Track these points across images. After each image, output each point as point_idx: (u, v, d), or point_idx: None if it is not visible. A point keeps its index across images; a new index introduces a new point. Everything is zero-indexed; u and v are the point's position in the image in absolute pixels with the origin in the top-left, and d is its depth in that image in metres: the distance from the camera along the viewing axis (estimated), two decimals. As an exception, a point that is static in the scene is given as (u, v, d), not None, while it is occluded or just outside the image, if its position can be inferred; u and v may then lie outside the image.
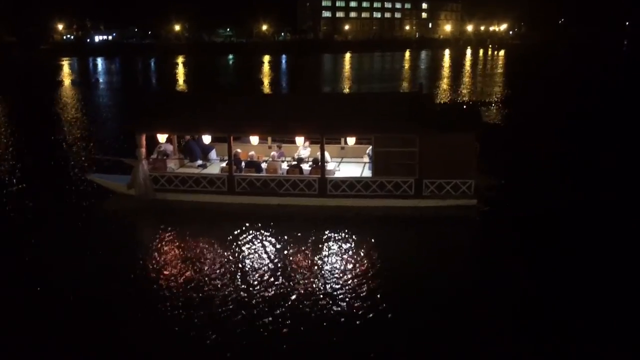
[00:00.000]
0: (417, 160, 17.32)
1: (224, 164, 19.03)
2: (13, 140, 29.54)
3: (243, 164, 18.94)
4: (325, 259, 14.16)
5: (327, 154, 18.93)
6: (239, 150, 19.39)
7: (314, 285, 12.69)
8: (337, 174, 18.42)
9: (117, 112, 40.24)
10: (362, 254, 14.36)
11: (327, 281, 12.90)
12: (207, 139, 19.71)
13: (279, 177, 18.17)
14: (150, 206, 18.26)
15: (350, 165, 19.48)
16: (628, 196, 18.65)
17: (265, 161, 19.33)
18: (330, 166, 18.80)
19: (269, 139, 20.65)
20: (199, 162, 19.88)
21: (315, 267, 13.64)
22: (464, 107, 37.32)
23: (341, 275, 13.20)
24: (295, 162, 18.78)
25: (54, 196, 19.57)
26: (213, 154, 20.25)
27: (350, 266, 13.66)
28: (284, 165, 18.91)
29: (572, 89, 51.27)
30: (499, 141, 26.07)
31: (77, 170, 22.85)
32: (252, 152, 19.47)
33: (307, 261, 14.02)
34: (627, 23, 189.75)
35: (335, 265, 13.75)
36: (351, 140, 19.64)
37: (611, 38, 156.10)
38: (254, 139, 19.33)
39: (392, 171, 17.53)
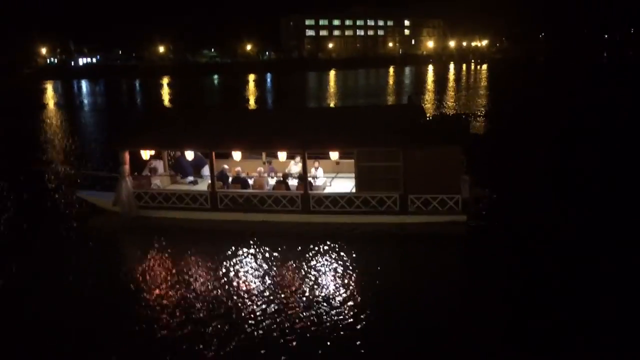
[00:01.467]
0: (402, 175, 16.76)
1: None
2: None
3: (230, 179, 18.80)
4: (308, 279, 13.60)
5: (320, 170, 18.86)
6: (225, 167, 19.27)
7: (297, 306, 12.26)
8: (328, 190, 18.08)
9: (103, 132, 40.02)
10: (346, 274, 13.81)
11: (310, 301, 12.39)
12: (195, 154, 19.53)
13: (262, 193, 17.95)
14: (134, 224, 18.08)
15: (344, 180, 19.18)
16: (617, 206, 18.26)
17: (252, 177, 19.13)
18: (319, 182, 18.49)
19: (264, 154, 20.40)
20: (190, 178, 19.73)
21: (297, 287, 13.17)
22: (452, 119, 37.47)
23: (325, 295, 12.66)
24: (281, 178, 18.56)
25: (42, 213, 19.52)
26: (205, 170, 19.88)
27: (334, 287, 13.14)
28: (272, 181, 18.73)
29: (555, 100, 51.88)
30: (486, 153, 25.72)
31: (66, 188, 22.69)
32: (238, 168, 19.36)
33: (289, 281, 13.56)
34: (605, 36, 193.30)
35: (318, 285, 13.25)
36: (334, 155, 18.99)
37: (591, 50, 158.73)
38: (237, 155, 19.04)
39: (376, 186, 17.01)
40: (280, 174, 19.09)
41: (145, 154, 19.23)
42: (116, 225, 18.04)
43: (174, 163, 20.37)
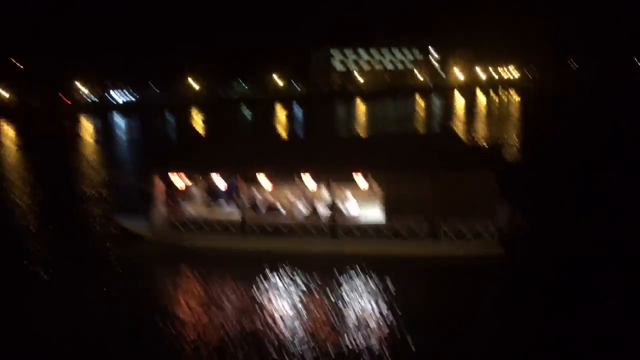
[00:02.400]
0: (431, 202, 16.06)
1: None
2: (42, 190, 30.18)
3: (263, 207, 18.91)
4: (338, 311, 13.42)
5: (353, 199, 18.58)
6: (259, 195, 19.28)
7: (328, 337, 12.18)
8: (364, 219, 17.68)
9: (138, 162, 41.12)
10: (376, 306, 13.51)
11: (342, 334, 12.22)
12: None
13: (290, 221, 17.88)
14: (166, 250, 18.17)
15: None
16: None
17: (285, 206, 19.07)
18: (353, 210, 18.31)
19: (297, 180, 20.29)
20: (225, 204, 19.87)
21: (328, 318, 13.07)
22: (485, 146, 36.70)
23: (357, 329, 12.43)
24: (313, 207, 18.44)
25: (80, 238, 20.08)
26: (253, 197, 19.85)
27: (366, 319, 12.88)
28: (303, 210, 18.65)
29: (589, 128, 51.04)
30: (523, 181, 24.53)
31: (104, 213, 23.32)
32: (291, 197, 19.27)
33: (319, 312, 13.44)
34: (636, 59, 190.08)
35: (349, 318, 13.01)
36: (361, 183, 18.68)
37: (622, 75, 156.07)
38: (265, 181, 18.79)
39: (404, 214, 16.45)
40: (308, 203, 18.94)
41: (177, 179, 19.40)
42: (150, 251, 18.22)
43: (209, 189, 20.68)
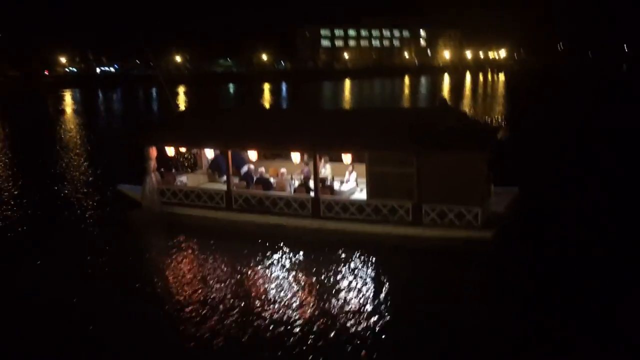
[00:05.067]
0: (416, 182, 15.43)
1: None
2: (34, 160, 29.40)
3: (254, 179, 18.49)
4: (317, 288, 12.73)
5: (354, 174, 17.99)
6: (251, 167, 19.09)
7: (303, 315, 11.79)
8: (357, 196, 17.14)
9: (122, 134, 40.51)
10: (357, 285, 12.78)
11: (320, 313, 11.51)
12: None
13: (274, 195, 17.48)
14: (157, 218, 18.43)
15: None
16: None
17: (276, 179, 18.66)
18: (346, 187, 17.62)
19: (305, 156, 19.10)
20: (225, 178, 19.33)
21: (306, 294, 12.54)
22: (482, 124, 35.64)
23: (336, 308, 11.69)
24: (303, 181, 17.98)
25: (82, 206, 20.41)
26: (244, 169, 19.39)
27: (344, 296, 12.20)
28: (296, 184, 18.13)
29: (576, 110, 51.07)
30: (515, 163, 23.04)
31: (106, 182, 23.40)
32: (261, 169, 19.15)
33: (298, 287, 12.90)
34: (625, 47, 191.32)
35: (328, 296, 12.27)
36: (346, 159, 17.72)
37: (610, 62, 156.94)
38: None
39: (388, 194, 15.80)
40: (302, 177, 18.51)
41: (170, 151, 19.36)
42: (144, 218, 18.59)
43: (212, 161, 20.21)
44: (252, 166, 19.14)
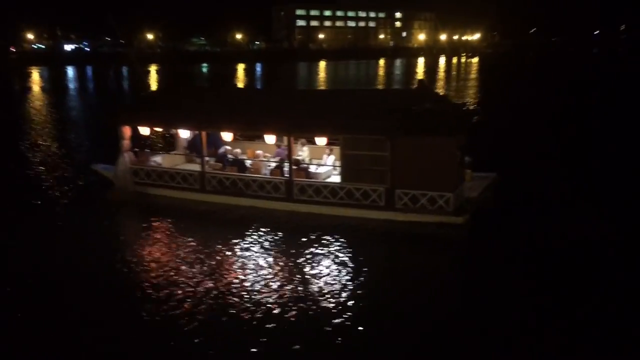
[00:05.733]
0: (389, 167, 15.41)
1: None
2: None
3: (230, 161, 18.28)
4: (289, 276, 12.43)
5: (332, 157, 17.75)
6: (228, 148, 18.89)
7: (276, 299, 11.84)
8: (333, 179, 16.92)
9: (93, 113, 39.92)
10: (329, 269, 12.69)
11: (291, 297, 11.49)
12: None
13: (247, 177, 17.37)
14: (130, 198, 18.31)
15: None
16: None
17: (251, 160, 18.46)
18: (322, 169, 17.41)
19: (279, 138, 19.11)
20: (205, 158, 19.00)
21: (276, 283, 12.33)
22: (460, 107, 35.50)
23: (309, 291, 11.65)
24: (278, 163, 17.72)
25: (54, 186, 20.05)
26: (222, 150, 19.13)
27: (318, 284, 11.96)
28: (273, 166, 17.84)
29: (547, 92, 51.77)
30: (489, 147, 22.95)
31: (82, 161, 23.13)
32: (237, 150, 18.97)
33: (269, 269, 12.82)
34: (595, 33, 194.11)
35: (299, 280, 12.20)
36: (321, 141, 17.59)
37: (581, 46, 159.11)
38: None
39: (362, 177, 15.73)
40: (278, 158, 18.24)
41: (144, 130, 19.10)
42: (116, 198, 18.38)
43: (190, 142, 19.90)
44: (228, 147, 18.93)
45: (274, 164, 17.85)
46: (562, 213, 16.25)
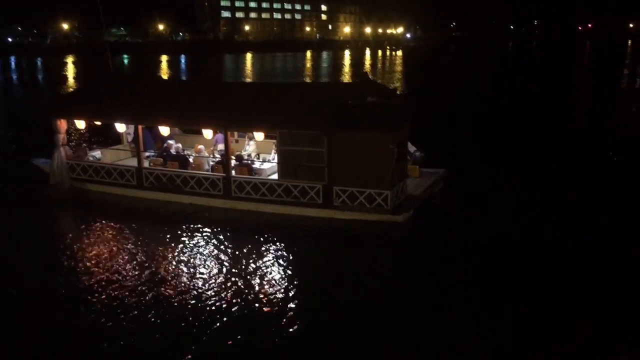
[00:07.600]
0: (326, 163, 14.94)
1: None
2: None
3: (170, 156, 17.52)
4: (225, 275, 12.05)
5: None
6: (171, 142, 18.04)
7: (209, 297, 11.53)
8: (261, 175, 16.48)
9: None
10: (268, 267, 12.48)
11: (226, 294, 11.41)
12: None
13: (185, 173, 16.77)
14: (67, 195, 17.55)
15: None
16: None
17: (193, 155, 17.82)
18: (267, 165, 16.86)
19: (235, 133, 18.73)
20: (150, 152, 18.15)
21: (211, 284, 11.95)
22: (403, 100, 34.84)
23: (244, 288, 11.41)
24: (220, 159, 16.98)
25: None
26: (173, 144, 18.28)
27: (255, 284, 11.68)
28: (210, 161, 17.23)
29: (470, 82, 53.57)
30: (440, 141, 22.74)
31: (21, 155, 21.80)
32: (178, 144, 18.23)
33: (203, 274, 12.34)
34: (511, 27, 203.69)
35: (235, 277, 11.96)
36: (259, 136, 17.14)
37: (498, 40, 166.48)
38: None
39: (299, 174, 15.27)
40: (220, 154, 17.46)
41: (80, 124, 18.37)
42: (52, 193, 17.50)
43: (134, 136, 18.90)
44: (171, 141, 18.09)
45: (217, 159, 17.13)
46: (507, 209, 15.93)
